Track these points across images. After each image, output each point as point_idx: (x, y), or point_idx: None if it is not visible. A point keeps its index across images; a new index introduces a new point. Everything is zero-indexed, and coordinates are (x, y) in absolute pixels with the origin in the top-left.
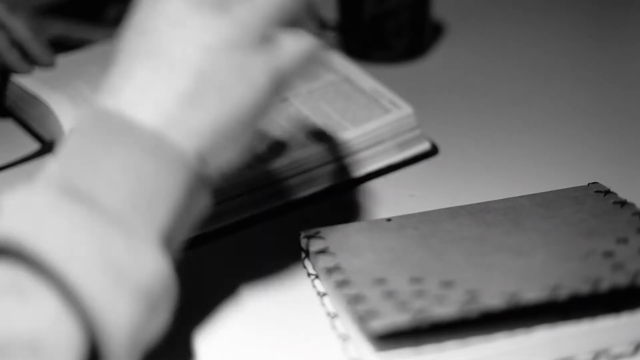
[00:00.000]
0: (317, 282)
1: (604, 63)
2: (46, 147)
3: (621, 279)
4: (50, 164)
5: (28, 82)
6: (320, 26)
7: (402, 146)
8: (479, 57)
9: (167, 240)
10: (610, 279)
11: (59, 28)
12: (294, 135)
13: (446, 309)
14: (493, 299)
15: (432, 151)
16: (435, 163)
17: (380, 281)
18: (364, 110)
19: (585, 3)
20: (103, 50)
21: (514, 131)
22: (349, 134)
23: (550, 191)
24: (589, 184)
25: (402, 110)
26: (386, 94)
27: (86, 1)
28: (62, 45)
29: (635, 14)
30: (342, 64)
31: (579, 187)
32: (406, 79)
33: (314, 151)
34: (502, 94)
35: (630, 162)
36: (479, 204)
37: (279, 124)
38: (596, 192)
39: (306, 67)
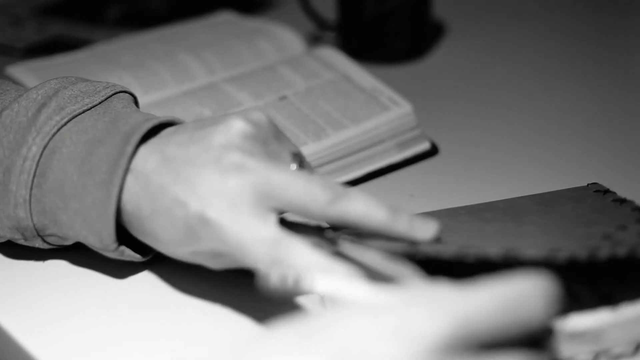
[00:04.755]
0: None
1: (605, 63)
2: None
3: (620, 250)
4: None
5: (29, 81)
6: (320, 26)
7: (402, 146)
8: (479, 57)
9: None
10: (609, 249)
11: (59, 28)
12: (293, 134)
13: (441, 248)
14: (491, 249)
15: (432, 151)
16: (435, 163)
17: None
18: (363, 108)
19: (585, 3)
20: (103, 51)
21: (514, 131)
22: (349, 132)
23: (550, 191)
24: (588, 185)
25: (401, 108)
26: (385, 92)
27: (86, 1)
28: (62, 45)
29: (635, 14)
30: (341, 62)
31: (578, 187)
32: (406, 79)
33: (314, 150)
34: (502, 93)
35: (630, 162)
36: (478, 204)
37: (278, 123)
38: (595, 191)
39: None
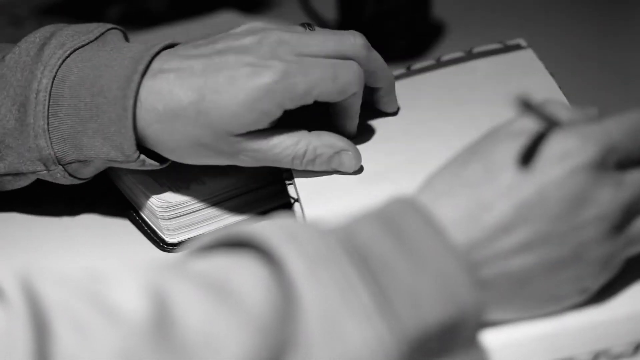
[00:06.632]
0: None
1: (605, 63)
2: None
3: None
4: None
5: None
6: (320, 26)
7: None
8: None
9: (403, 340)
10: None
11: None
12: None
13: None
14: None
15: None
16: None
17: None
18: None
19: (585, 3)
20: None
21: None
22: None
23: None
24: None
25: None
26: None
27: (86, 1)
28: None
29: (635, 14)
30: None
31: None
32: None
33: None
34: None
35: None
36: None
37: None
38: None
39: None
